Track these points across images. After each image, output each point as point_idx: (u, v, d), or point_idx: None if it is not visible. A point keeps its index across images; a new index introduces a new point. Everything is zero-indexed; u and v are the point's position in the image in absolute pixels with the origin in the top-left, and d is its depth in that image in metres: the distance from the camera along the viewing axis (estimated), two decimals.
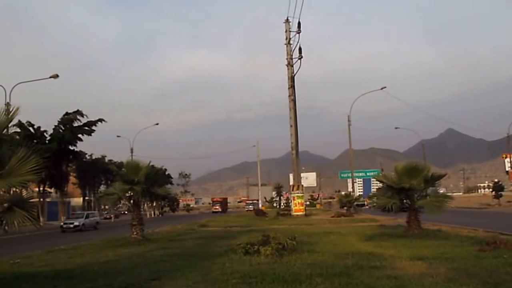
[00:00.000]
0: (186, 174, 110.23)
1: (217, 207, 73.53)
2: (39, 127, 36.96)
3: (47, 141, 36.52)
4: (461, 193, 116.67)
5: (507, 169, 55.08)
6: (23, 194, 6.31)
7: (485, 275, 5.78)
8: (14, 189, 6.11)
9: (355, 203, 36.86)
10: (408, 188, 11.96)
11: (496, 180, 68.09)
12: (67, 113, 38.49)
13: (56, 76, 30.13)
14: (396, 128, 61.41)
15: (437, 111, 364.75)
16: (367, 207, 50.60)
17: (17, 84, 29.03)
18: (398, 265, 6.97)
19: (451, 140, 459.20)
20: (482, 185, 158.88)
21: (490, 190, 68.66)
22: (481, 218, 23.72)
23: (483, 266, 6.46)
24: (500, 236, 10.52)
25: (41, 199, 37.49)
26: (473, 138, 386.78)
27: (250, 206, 72.57)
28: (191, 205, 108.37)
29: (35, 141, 34.60)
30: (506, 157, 56.25)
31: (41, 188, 38.34)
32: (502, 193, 53.74)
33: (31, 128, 36.20)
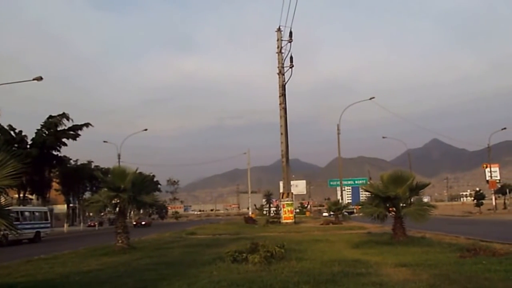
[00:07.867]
0: (174, 181, 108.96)
1: None
2: (20, 131, 36.00)
3: (28, 146, 35.59)
4: (446, 202, 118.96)
5: (487, 178, 56.60)
6: (1, 201, 5.92)
7: (465, 281, 5.96)
8: None
9: (344, 210, 37.00)
10: (394, 196, 12.13)
11: (477, 189, 69.73)
12: (51, 117, 37.49)
13: (40, 78, 28.74)
14: (383, 137, 62.37)
15: (423, 121, 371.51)
16: (356, 214, 50.80)
17: None
18: (383, 272, 7.06)
19: (435, 150, 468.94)
20: (464, 193, 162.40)
21: (472, 198, 70.19)
22: (463, 226, 24.22)
23: (463, 272, 6.65)
24: (480, 243, 10.75)
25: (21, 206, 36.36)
26: (456, 148, 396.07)
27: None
28: (180, 213, 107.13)
29: (16, 145, 33.74)
30: (486, 167, 57.92)
31: (21, 195, 37.22)
32: (483, 201, 55.05)
33: (12, 132, 35.24)
